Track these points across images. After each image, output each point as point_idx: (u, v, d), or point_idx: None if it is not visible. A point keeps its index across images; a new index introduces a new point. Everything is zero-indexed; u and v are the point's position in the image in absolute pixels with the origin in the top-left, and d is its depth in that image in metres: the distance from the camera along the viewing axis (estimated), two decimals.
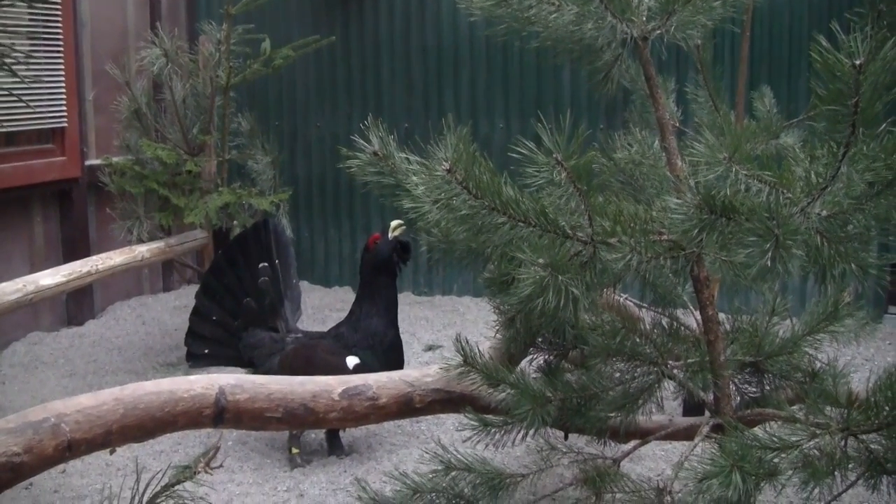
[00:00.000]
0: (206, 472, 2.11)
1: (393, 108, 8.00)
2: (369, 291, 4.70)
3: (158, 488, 2.20)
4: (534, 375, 3.33)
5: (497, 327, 3.37)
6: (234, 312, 5.04)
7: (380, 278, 4.66)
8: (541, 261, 2.44)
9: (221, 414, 3.29)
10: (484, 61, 7.79)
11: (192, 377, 3.43)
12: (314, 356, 4.63)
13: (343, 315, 5.02)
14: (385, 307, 4.66)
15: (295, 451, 4.65)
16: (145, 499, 2.18)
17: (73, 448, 2.71)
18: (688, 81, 4.50)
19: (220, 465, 2.20)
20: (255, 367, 4.87)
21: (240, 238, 5.27)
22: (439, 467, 3.08)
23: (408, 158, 3.01)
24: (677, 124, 4.36)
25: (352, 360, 4.51)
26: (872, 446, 2.73)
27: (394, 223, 4.61)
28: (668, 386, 3.46)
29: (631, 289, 4.26)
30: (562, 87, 7.58)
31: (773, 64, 7.05)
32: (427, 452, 3.16)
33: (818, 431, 2.58)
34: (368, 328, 4.61)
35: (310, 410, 3.35)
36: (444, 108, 7.82)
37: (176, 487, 2.16)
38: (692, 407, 4.31)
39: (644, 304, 3.81)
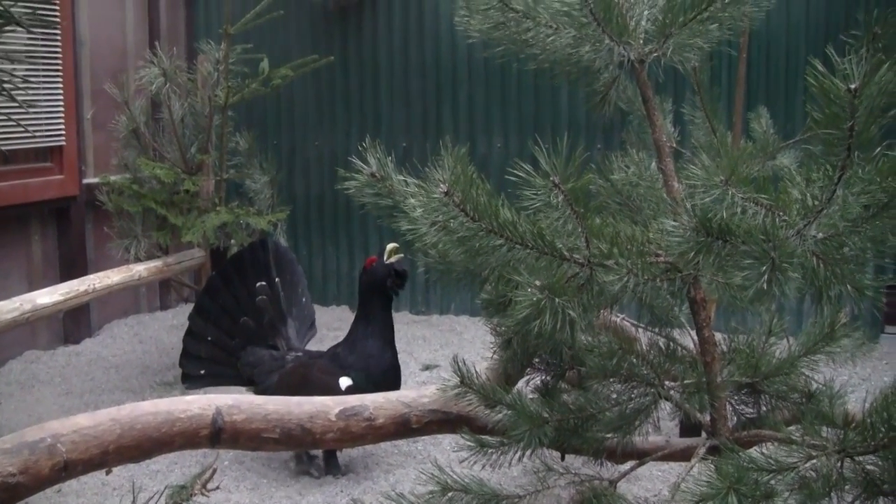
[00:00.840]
0: (203, 493, 2.10)
1: (391, 126, 8.03)
2: (365, 312, 4.71)
3: None
4: (531, 396, 3.33)
5: (494, 348, 3.37)
6: (231, 331, 5.04)
7: (375, 300, 4.67)
8: (537, 283, 2.44)
9: (218, 434, 3.29)
10: (482, 80, 7.82)
11: (189, 398, 3.43)
12: (310, 375, 4.64)
13: (340, 334, 5.03)
14: (380, 328, 4.66)
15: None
16: None
17: (69, 468, 2.70)
18: (685, 103, 4.51)
19: (217, 487, 2.19)
20: (255, 384, 4.88)
21: (236, 257, 5.28)
22: (436, 488, 3.07)
23: (405, 180, 3.02)
24: (674, 145, 4.37)
25: (344, 382, 4.52)
26: (869, 467, 2.73)
27: (389, 247, 4.63)
28: (665, 407, 3.47)
29: (628, 309, 4.27)
30: (560, 108, 7.60)
31: (770, 85, 7.08)
32: (424, 473, 3.15)
33: (814, 453, 2.58)
34: (364, 349, 4.62)
35: (307, 431, 3.34)
36: (443, 126, 7.85)
37: None
38: (689, 428, 4.31)
39: (641, 325, 3.82)
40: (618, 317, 4.20)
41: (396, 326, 4.81)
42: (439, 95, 7.96)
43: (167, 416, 3.25)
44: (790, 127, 6.37)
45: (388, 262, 4.62)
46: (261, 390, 4.67)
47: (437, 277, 3.27)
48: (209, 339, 5.07)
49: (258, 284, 5.04)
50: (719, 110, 4.35)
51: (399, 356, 4.73)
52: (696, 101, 4.18)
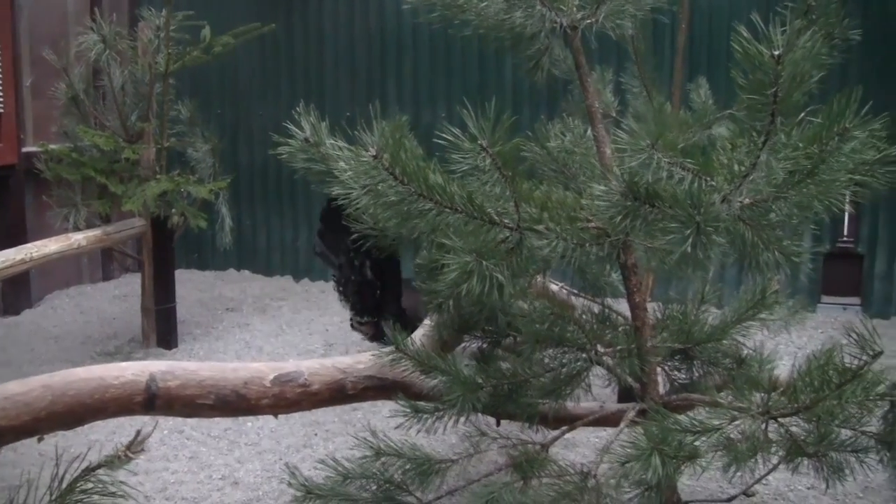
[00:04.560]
0: (129, 456, 2.09)
1: (336, 96, 7.99)
2: None
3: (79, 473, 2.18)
4: (467, 363, 3.35)
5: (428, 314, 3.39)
6: None
7: None
8: (466, 247, 2.45)
9: (153, 400, 3.28)
10: (427, 49, 7.80)
11: (123, 364, 3.41)
12: None
13: (284, 304, 5.01)
14: None
15: None
16: (65, 484, 2.16)
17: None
18: (627, 73, 4.54)
19: (142, 450, 2.18)
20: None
21: None
22: (369, 453, 3.08)
23: (338, 145, 3.01)
24: (614, 115, 4.40)
25: None
26: (793, 429, 2.78)
27: None
28: (601, 373, 3.50)
29: (567, 278, 4.29)
30: (504, 77, 7.61)
31: (713, 56, 7.11)
32: (357, 438, 3.16)
33: (739, 415, 2.62)
34: None
35: (241, 397, 3.34)
36: (387, 96, 7.83)
37: (98, 472, 2.13)
38: (626, 394, 4.35)
39: (579, 294, 3.85)
40: (556, 285, 4.23)
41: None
42: (384, 64, 7.93)
43: (100, 383, 3.23)
44: (731, 98, 6.40)
45: None
46: None
47: (372, 244, 3.26)
48: None
49: None
50: (659, 80, 4.39)
51: (341, 326, 4.74)
52: (635, 70, 4.20)
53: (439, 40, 7.70)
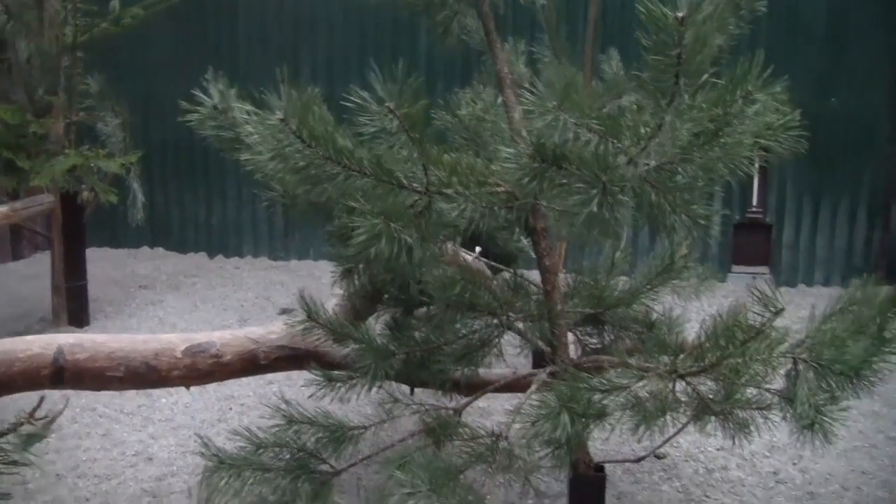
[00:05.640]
0: (30, 423, 2.06)
1: (249, 68, 7.90)
2: None
3: None
4: (381, 332, 3.34)
5: (335, 278, 3.39)
6: None
7: None
8: (375, 210, 2.44)
9: (60, 374, 3.22)
10: (341, 22, 7.78)
11: (30, 337, 3.35)
12: None
13: (199, 281, 4.95)
14: None
15: None
16: None
17: None
18: (541, 45, 4.54)
19: (46, 416, 2.14)
20: None
21: None
22: (282, 421, 3.07)
23: (245, 109, 2.98)
24: (527, 85, 4.41)
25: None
26: (701, 388, 2.83)
27: None
28: (515, 342, 3.52)
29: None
30: (418, 50, 7.61)
31: (626, 28, 7.16)
32: (269, 406, 3.14)
33: (646, 375, 2.65)
34: None
35: (152, 369, 3.30)
36: (301, 67, 7.78)
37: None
38: (540, 362, 4.39)
39: (493, 263, 3.87)
40: (469, 255, 4.24)
41: (255, 272, 4.79)
42: (298, 36, 7.88)
43: (6, 356, 3.18)
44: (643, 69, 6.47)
45: None
46: None
47: (283, 212, 3.24)
48: None
49: None
50: (574, 52, 4.40)
51: (257, 301, 4.69)
52: (546, 40, 4.21)
53: (352, 13, 7.66)
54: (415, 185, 2.53)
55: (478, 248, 4.35)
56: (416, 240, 2.48)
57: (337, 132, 2.51)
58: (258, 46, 7.93)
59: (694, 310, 5.63)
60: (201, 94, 3.24)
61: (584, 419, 2.49)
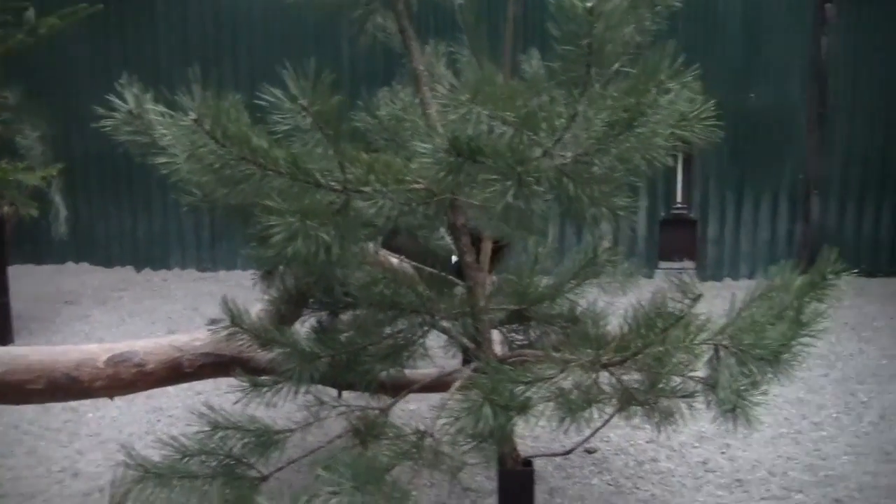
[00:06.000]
0: None
1: (171, 77, 7.80)
2: None
3: None
4: (306, 335, 3.32)
5: (255, 281, 3.37)
6: None
7: None
8: (291, 209, 2.43)
9: None
10: (262, 31, 7.74)
11: None
12: None
13: (125, 295, 4.88)
14: None
15: None
16: None
17: None
18: (461, 45, 4.55)
19: None
20: None
21: None
22: (207, 428, 3.03)
23: (159, 111, 2.94)
24: (448, 86, 4.41)
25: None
26: (625, 378, 2.85)
27: None
28: (443, 343, 3.52)
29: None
30: (341, 57, 7.60)
31: (547, 28, 7.21)
32: (193, 412, 3.11)
33: (569, 366, 2.67)
34: None
35: (74, 380, 3.25)
36: (224, 77, 7.71)
37: None
38: (468, 362, 4.40)
39: (415, 263, 3.86)
40: (394, 258, 4.23)
41: (183, 283, 4.73)
42: (219, 44, 7.82)
43: None
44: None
45: None
46: None
47: (203, 216, 3.21)
48: None
49: None
50: (494, 52, 4.40)
51: (185, 313, 4.64)
52: (464, 40, 4.22)
53: (274, 21, 7.63)
54: (332, 183, 2.51)
55: (454, 258, 4.37)
56: (335, 238, 2.46)
57: (252, 131, 2.48)
58: (179, 56, 7.84)
59: (622, 306, 5.66)
60: (116, 100, 3.19)
61: (507, 412, 2.50)
